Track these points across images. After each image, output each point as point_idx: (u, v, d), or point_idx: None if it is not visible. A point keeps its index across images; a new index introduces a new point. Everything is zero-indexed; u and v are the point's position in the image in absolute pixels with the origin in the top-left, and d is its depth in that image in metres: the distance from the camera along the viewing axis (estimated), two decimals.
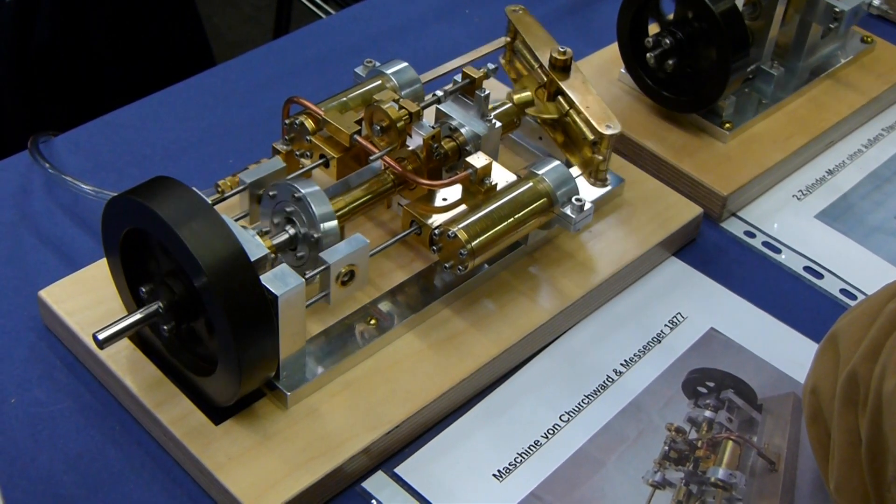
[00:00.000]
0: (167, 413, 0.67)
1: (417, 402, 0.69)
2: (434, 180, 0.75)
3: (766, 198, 0.90)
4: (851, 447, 0.61)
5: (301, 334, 0.67)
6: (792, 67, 0.96)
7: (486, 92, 0.78)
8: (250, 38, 2.12)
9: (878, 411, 0.59)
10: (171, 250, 0.62)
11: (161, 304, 0.64)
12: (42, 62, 1.34)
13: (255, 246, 0.65)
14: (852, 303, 0.81)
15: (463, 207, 0.75)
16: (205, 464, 0.65)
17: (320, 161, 0.76)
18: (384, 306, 0.73)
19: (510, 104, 0.82)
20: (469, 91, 0.80)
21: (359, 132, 0.75)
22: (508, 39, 0.85)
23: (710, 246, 0.86)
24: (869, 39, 1.01)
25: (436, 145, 0.76)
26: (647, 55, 0.87)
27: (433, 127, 0.76)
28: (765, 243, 0.86)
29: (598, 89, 0.82)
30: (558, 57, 0.81)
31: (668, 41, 0.86)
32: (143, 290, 0.65)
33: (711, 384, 0.75)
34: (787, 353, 0.78)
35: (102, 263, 0.70)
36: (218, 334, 0.63)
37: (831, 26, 0.93)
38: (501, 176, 0.76)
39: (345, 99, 0.79)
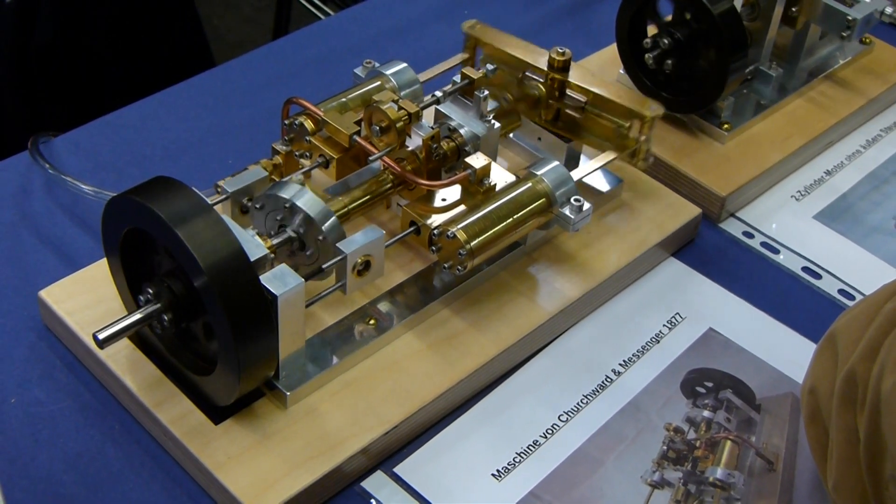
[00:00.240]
0: (167, 412, 0.67)
1: (416, 401, 0.69)
2: (433, 181, 0.75)
3: (765, 198, 0.90)
4: (850, 446, 0.61)
5: (300, 334, 0.67)
6: (790, 68, 0.96)
7: (485, 93, 0.78)
8: (250, 39, 2.12)
9: (877, 410, 0.59)
10: (170, 250, 0.63)
11: (161, 304, 0.65)
12: (42, 62, 1.34)
13: (255, 246, 0.66)
14: (850, 303, 0.82)
15: (462, 208, 0.75)
16: (204, 463, 0.65)
17: (319, 161, 0.76)
18: (383, 306, 0.73)
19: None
20: (468, 92, 0.80)
21: (358, 133, 0.76)
22: (467, 56, 0.85)
23: (708, 246, 0.86)
24: (867, 41, 1.01)
25: (435, 146, 0.76)
26: (646, 56, 0.87)
27: (432, 127, 0.76)
28: (763, 244, 0.86)
29: None
30: (558, 58, 0.81)
31: (666, 42, 0.86)
32: (143, 290, 0.66)
33: (710, 384, 0.76)
34: (786, 353, 0.78)
35: (102, 263, 0.71)
36: (217, 334, 0.63)
37: (843, 34, 0.93)
38: (500, 176, 0.76)
39: (344, 99, 0.79)
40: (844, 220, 0.89)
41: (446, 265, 0.73)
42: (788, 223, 0.88)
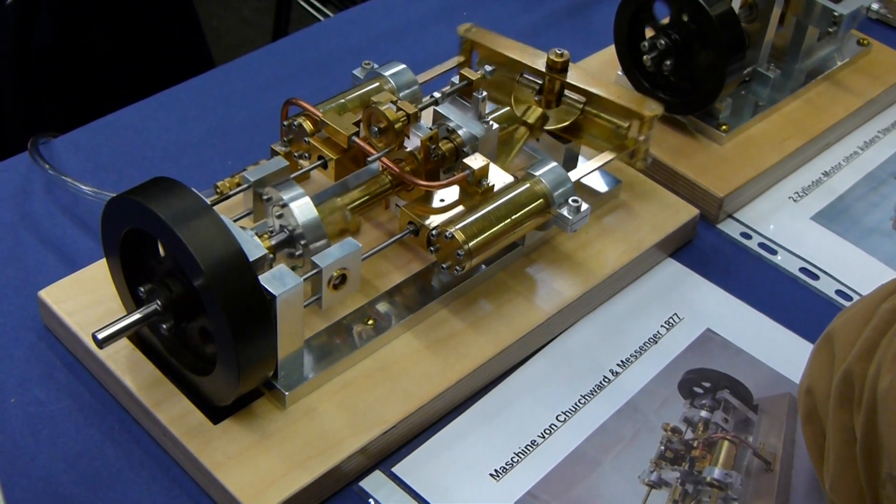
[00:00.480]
0: (166, 412, 0.67)
1: (415, 401, 0.70)
2: (431, 181, 0.76)
3: (763, 199, 0.90)
4: (846, 446, 0.61)
5: (299, 334, 0.67)
6: (788, 70, 0.97)
7: (484, 94, 0.79)
8: (249, 41, 2.12)
9: (873, 410, 0.59)
10: (170, 250, 0.63)
11: (160, 304, 0.65)
12: (42, 63, 1.34)
13: (254, 246, 0.66)
14: (847, 303, 0.82)
15: (460, 208, 0.75)
16: (203, 463, 0.65)
17: (318, 162, 0.77)
18: (382, 307, 0.74)
19: (521, 126, 0.82)
20: (466, 93, 0.80)
21: (357, 133, 0.76)
22: (462, 59, 0.85)
23: (706, 247, 0.86)
24: (865, 42, 1.02)
25: (433, 146, 0.76)
26: (644, 57, 0.87)
27: (431, 128, 0.76)
28: (761, 244, 0.87)
29: None
30: (556, 59, 0.81)
31: (664, 43, 0.86)
32: (143, 290, 0.66)
33: (707, 384, 0.76)
34: (783, 353, 0.78)
35: (102, 263, 0.71)
36: (217, 334, 0.63)
37: (830, 30, 0.93)
38: (499, 177, 0.76)
39: (343, 101, 0.79)
40: (842, 221, 0.89)
41: (445, 266, 0.73)
42: (786, 224, 0.88)
